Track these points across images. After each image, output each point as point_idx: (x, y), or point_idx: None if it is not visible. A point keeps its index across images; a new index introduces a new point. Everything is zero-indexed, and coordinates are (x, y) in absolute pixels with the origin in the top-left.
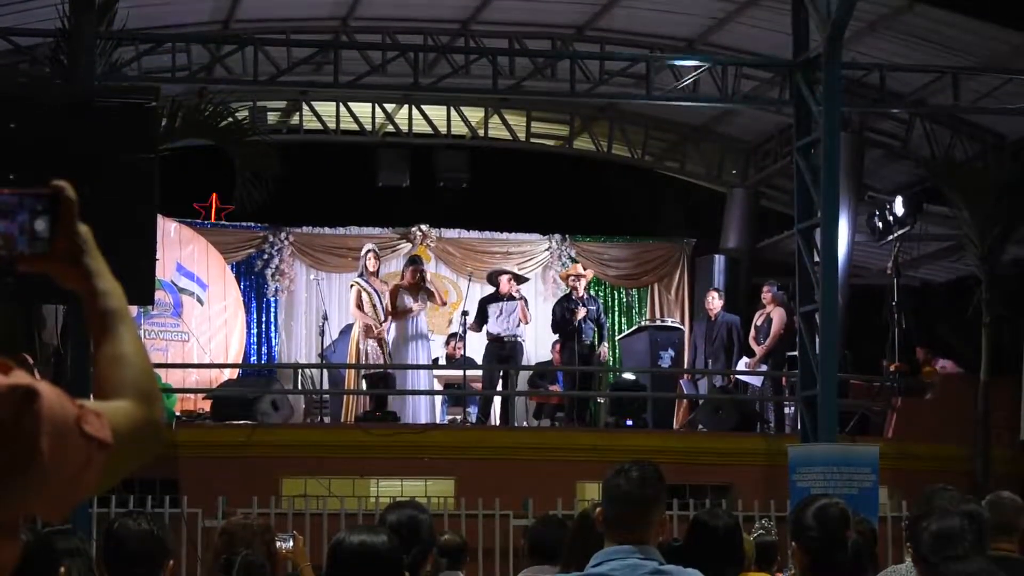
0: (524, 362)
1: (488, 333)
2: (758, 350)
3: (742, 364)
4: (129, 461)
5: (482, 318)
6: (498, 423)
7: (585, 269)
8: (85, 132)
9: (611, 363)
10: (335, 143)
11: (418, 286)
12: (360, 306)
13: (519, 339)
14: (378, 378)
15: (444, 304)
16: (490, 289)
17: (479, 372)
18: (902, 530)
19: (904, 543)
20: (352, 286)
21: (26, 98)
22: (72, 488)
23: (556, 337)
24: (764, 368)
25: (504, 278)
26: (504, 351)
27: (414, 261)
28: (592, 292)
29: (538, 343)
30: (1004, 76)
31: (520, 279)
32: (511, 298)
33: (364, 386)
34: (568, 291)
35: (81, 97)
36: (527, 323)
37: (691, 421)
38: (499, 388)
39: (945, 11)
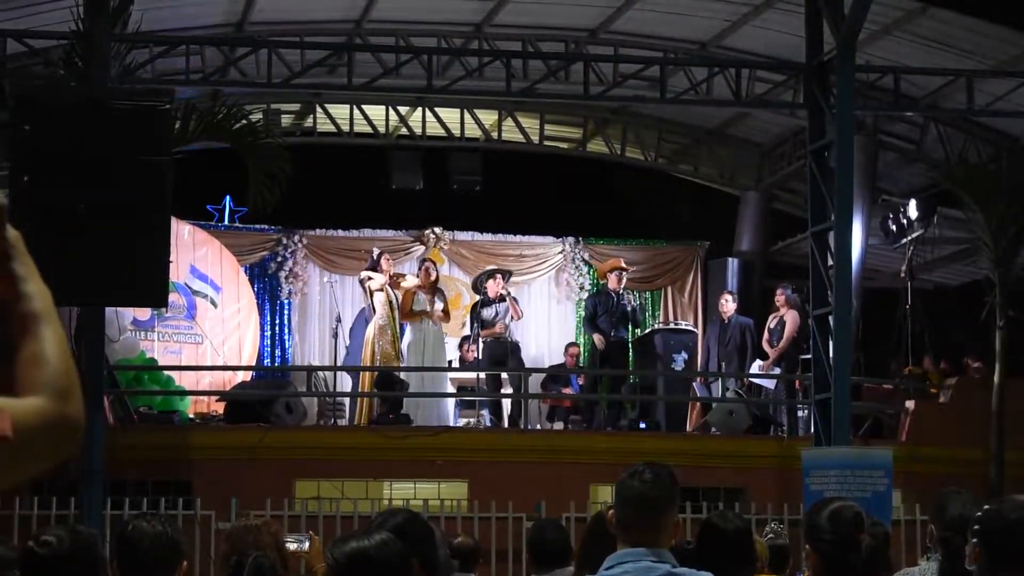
0: (535, 365)
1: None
2: (771, 352)
3: (756, 367)
4: (38, 457)
5: (481, 324)
6: (510, 425)
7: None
8: (99, 134)
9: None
10: (348, 145)
11: (433, 286)
12: (383, 304)
13: (514, 338)
14: (392, 380)
15: (447, 315)
16: (513, 286)
17: (493, 374)
18: (916, 533)
19: (924, 541)
20: (363, 281)
21: (40, 100)
22: None
23: (569, 340)
24: (777, 371)
25: (490, 282)
26: (500, 350)
27: (424, 262)
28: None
29: (551, 346)
30: (1018, 79)
31: (505, 274)
32: (502, 299)
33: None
34: (600, 287)
35: (95, 99)
36: (518, 319)
37: (704, 424)
38: (503, 389)
39: (959, 14)
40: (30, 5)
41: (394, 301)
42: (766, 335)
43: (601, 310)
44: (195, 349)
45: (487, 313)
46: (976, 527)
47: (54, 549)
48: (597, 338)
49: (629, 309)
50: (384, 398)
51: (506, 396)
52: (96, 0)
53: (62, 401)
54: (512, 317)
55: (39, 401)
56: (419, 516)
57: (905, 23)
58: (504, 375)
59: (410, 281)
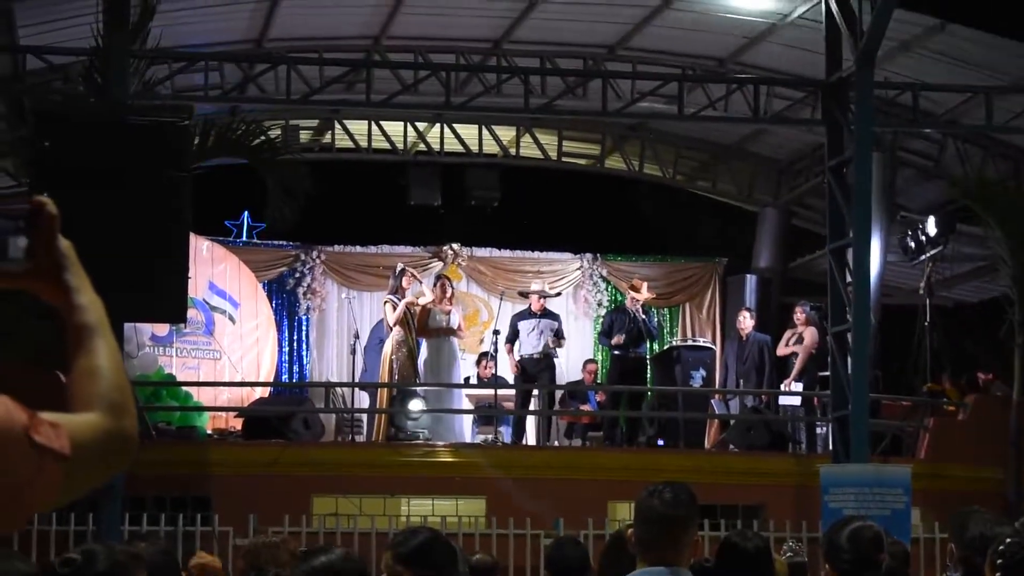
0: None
1: (520, 357)
2: (789, 351)
3: (782, 386)
4: (94, 474)
5: (514, 335)
6: (532, 442)
7: (639, 289)
8: (118, 150)
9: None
10: (367, 161)
11: (450, 301)
12: (400, 322)
13: (552, 355)
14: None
15: (460, 330)
16: (522, 305)
17: (510, 391)
18: (935, 552)
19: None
20: (386, 303)
21: (60, 116)
22: (20, 498)
23: (587, 356)
24: (799, 387)
25: (533, 297)
26: (532, 367)
27: (440, 278)
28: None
29: (569, 362)
30: None
31: (547, 296)
32: (544, 315)
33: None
34: (618, 303)
35: (114, 116)
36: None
37: (722, 441)
38: (532, 406)
39: (977, 31)
40: (50, 21)
41: (411, 318)
42: (782, 350)
43: (618, 327)
44: (213, 365)
45: (524, 326)
46: (999, 561)
47: (77, 568)
48: (615, 339)
49: (642, 320)
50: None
51: (522, 412)
52: (116, 16)
53: (117, 416)
54: (551, 340)
55: (94, 416)
56: (441, 535)
57: (924, 40)
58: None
59: (426, 297)
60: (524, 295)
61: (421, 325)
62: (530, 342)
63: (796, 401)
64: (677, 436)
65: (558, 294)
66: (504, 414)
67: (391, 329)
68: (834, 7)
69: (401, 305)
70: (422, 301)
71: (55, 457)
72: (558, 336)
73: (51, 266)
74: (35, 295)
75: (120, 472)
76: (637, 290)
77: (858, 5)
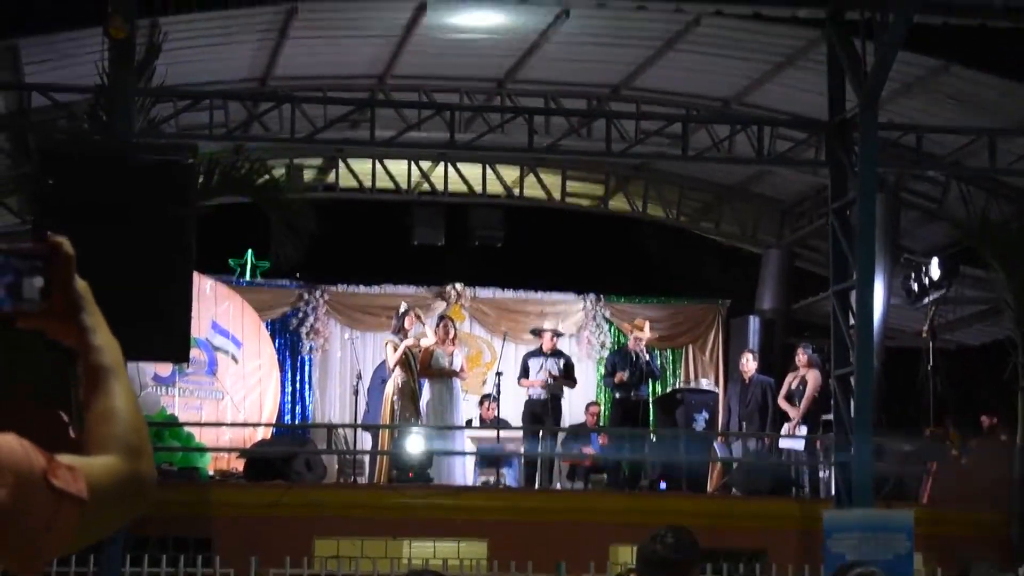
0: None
1: (527, 397)
2: (792, 412)
3: (784, 429)
4: (112, 518)
5: (524, 373)
6: (532, 485)
7: (641, 328)
8: (123, 188)
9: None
10: (371, 201)
11: (452, 342)
12: (401, 363)
13: (558, 396)
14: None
15: (462, 371)
16: (532, 344)
17: (513, 433)
18: None
19: None
20: (388, 343)
21: (65, 154)
22: (38, 542)
23: (590, 398)
24: (804, 431)
25: (547, 335)
26: (539, 408)
27: (443, 319)
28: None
29: (572, 404)
30: None
31: (560, 334)
32: (554, 354)
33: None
34: (623, 344)
35: (119, 154)
36: (571, 386)
37: (725, 484)
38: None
39: (981, 73)
40: (55, 59)
41: (413, 359)
42: (783, 391)
43: (621, 368)
44: (216, 405)
45: (533, 364)
46: None
47: None
48: (618, 376)
49: (645, 360)
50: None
51: (523, 454)
52: (121, 54)
53: (134, 459)
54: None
55: (111, 460)
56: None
57: (927, 81)
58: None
59: (428, 339)
60: (536, 333)
61: (424, 366)
62: (538, 380)
63: (799, 445)
64: (680, 479)
65: (560, 334)
66: (505, 456)
67: (392, 371)
68: (838, 49)
69: (402, 346)
70: (424, 343)
71: (73, 501)
72: (568, 375)
73: (67, 306)
74: (51, 335)
75: (137, 515)
76: (640, 329)
77: (862, 47)
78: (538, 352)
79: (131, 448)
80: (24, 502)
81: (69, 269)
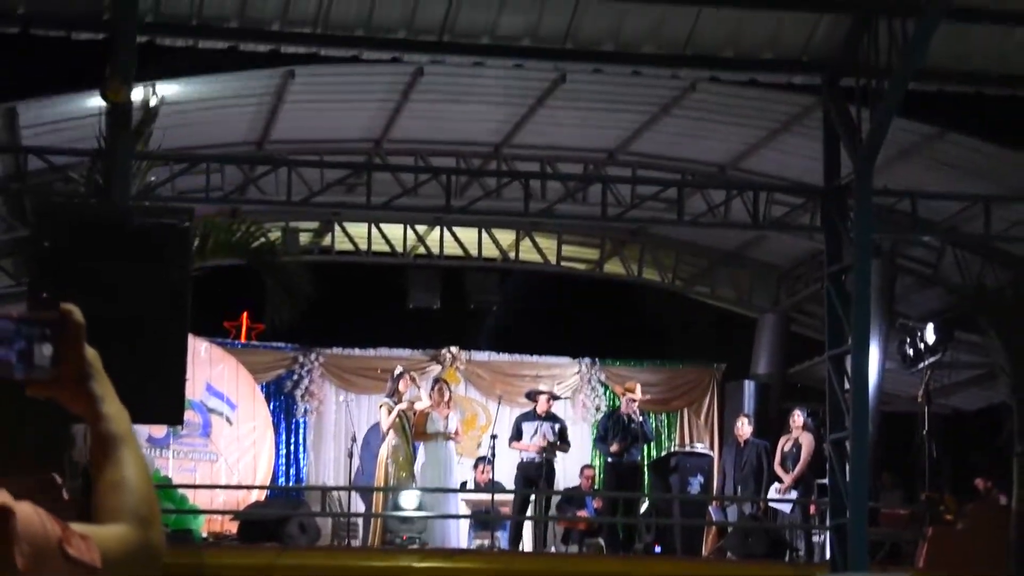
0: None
1: (520, 460)
2: (786, 477)
3: (773, 490)
4: None
5: (517, 435)
6: (528, 548)
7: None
8: (119, 251)
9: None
10: (366, 264)
11: (447, 405)
12: (395, 427)
13: (552, 459)
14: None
15: (456, 434)
16: (526, 408)
17: (507, 496)
18: None
19: None
20: (382, 406)
21: (61, 217)
22: None
23: (585, 462)
24: (795, 495)
25: (543, 398)
26: (532, 471)
27: (437, 382)
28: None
29: (567, 467)
30: None
31: (556, 397)
32: (548, 418)
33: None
34: (614, 407)
35: (116, 217)
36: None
37: (720, 548)
38: (530, 511)
39: (976, 139)
40: (52, 122)
41: (407, 422)
42: (779, 457)
43: (613, 433)
44: (210, 467)
45: (527, 427)
46: None
47: None
48: (613, 448)
49: (638, 423)
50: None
51: (518, 518)
52: (118, 118)
53: (145, 528)
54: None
55: (122, 529)
56: None
57: (923, 147)
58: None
59: (423, 403)
60: (531, 396)
61: (419, 430)
62: (532, 445)
63: (786, 507)
64: (674, 543)
65: (557, 397)
66: (500, 519)
67: (386, 434)
68: (834, 115)
69: (396, 410)
70: (419, 406)
71: (86, 570)
72: (562, 439)
73: (77, 374)
74: (61, 403)
75: None
76: (631, 391)
77: (857, 113)
78: (532, 415)
79: (142, 518)
80: (40, 571)
81: (79, 337)
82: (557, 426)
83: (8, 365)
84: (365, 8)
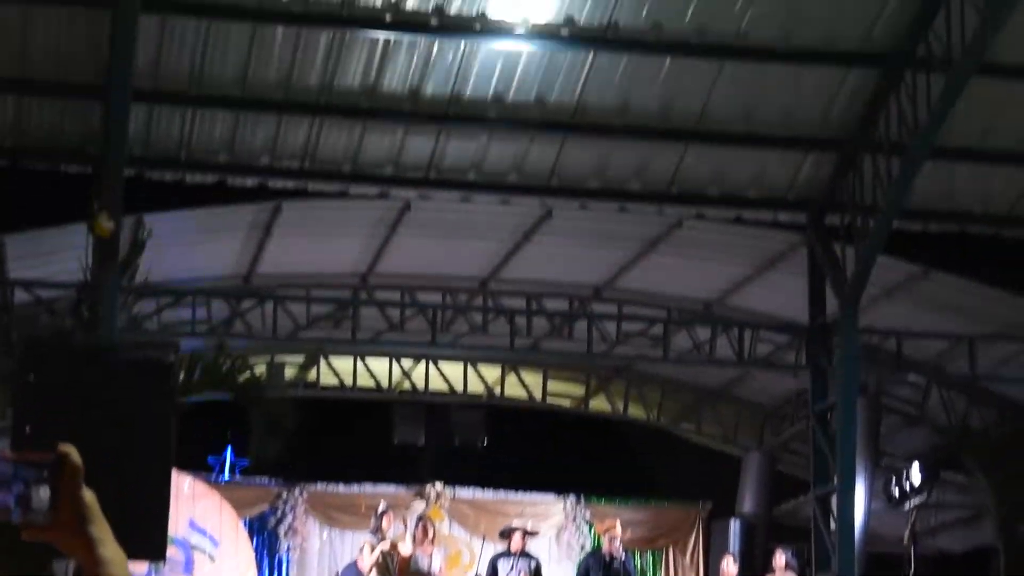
0: None
1: None
2: None
3: None
4: None
5: (492, 574)
6: None
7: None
8: (104, 385)
9: None
10: (352, 399)
11: (431, 543)
12: (378, 566)
13: None
14: None
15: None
16: (501, 546)
17: None
18: None
19: None
20: (364, 544)
21: (47, 349)
22: None
23: None
24: None
25: (516, 534)
26: None
27: (421, 519)
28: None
29: None
30: (1021, 344)
31: (531, 533)
32: (523, 555)
33: None
34: (596, 547)
35: (101, 350)
36: None
37: None
38: None
39: (961, 279)
40: (38, 255)
41: (391, 563)
42: None
43: (593, 572)
44: None
45: (502, 565)
46: None
47: None
48: None
49: (620, 561)
50: None
51: None
52: (105, 251)
53: None
54: None
55: None
56: None
57: (907, 287)
58: None
59: (407, 546)
60: (505, 534)
61: (402, 571)
62: None
63: None
64: None
65: (532, 533)
66: None
67: (368, 573)
68: (819, 253)
69: (378, 548)
70: (402, 549)
71: None
72: None
73: (74, 518)
74: (58, 547)
75: None
76: (611, 529)
77: (842, 251)
78: (507, 553)
79: None
80: None
81: (76, 479)
82: (532, 563)
83: (6, 510)
84: (353, 143)
